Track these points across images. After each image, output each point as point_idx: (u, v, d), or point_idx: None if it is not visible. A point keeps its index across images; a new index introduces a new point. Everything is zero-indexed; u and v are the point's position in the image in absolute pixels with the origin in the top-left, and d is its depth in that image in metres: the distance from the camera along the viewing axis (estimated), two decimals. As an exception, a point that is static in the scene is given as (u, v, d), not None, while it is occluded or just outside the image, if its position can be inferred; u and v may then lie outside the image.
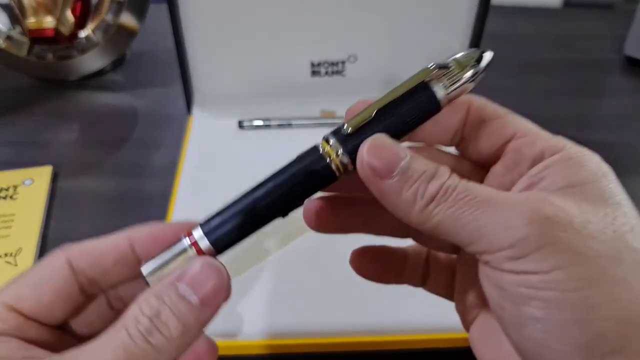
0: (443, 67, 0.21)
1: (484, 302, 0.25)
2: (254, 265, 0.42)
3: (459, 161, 0.25)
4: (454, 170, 0.22)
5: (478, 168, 0.24)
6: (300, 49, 0.54)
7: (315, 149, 0.22)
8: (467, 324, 0.26)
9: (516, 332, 0.19)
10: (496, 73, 0.58)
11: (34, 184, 0.50)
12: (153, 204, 0.48)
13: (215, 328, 0.38)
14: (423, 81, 0.21)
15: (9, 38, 0.61)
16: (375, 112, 0.21)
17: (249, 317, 0.39)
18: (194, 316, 0.20)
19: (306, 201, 0.24)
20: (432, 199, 0.19)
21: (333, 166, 0.21)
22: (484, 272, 0.20)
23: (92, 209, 0.49)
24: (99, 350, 0.19)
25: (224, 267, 0.21)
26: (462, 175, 0.22)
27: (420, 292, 0.40)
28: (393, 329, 0.38)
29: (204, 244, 0.22)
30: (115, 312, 0.25)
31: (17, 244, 0.45)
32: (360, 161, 0.20)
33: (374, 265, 0.28)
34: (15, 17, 0.60)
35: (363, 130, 0.21)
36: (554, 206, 0.18)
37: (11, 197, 0.49)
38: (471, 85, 0.21)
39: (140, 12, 0.60)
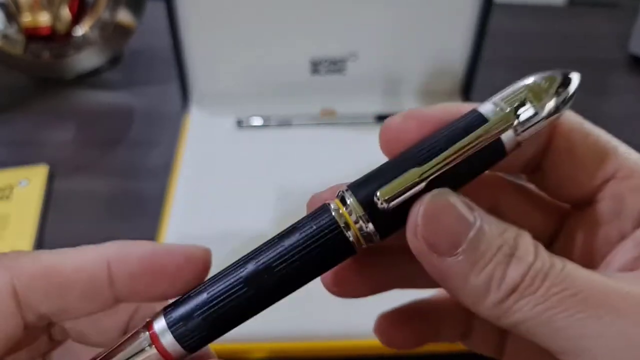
0: (518, 106, 0.16)
1: None
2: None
3: (530, 195, 0.19)
4: (523, 211, 0.17)
5: (554, 207, 0.19)
6: (300, 47, 0.53)
7: (325, 210, 0.16)
8: None
9: None
10: (499, 72, 0.57)
11: (29, 183, 0.50)
12: (151, 204, 0.48)
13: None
14: (498, 138, 0.16)
15: (4, 36, 0.60)
16: (427, 183, 0.16)
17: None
18: None
19: None
20: (513, 290, 0.14)
21: (350, 236, 0.16)
22: None
23: (89, 210, 0.49)
24: None
25: None
26: (532, 219, 0.17)
27: (421, 294, 0.39)
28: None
29: (168, 340, 0.16)
30: (54, 343, 0.19)
31: (12, 246, 0.44)
32: (413, 231, 0.15)
33: (406, 332, 0.22)
34: (11, 14, 0.60)
35: (403, 206, 0.16)
36: None
37: (7, 197, 0.48)
38: (549, 122, 0.16)
39: (137, 9, 0.60)
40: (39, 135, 0.56)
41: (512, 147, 0.16)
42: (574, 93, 0.16)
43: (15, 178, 0.50)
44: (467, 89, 0.55)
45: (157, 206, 0.47)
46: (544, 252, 0.15)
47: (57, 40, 0.60)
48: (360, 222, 0.16)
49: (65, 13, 0.59)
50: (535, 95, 0.16)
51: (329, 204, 0.16)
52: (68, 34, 0.60)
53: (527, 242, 0.15)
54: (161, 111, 0.58)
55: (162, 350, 0.16)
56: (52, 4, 0.59)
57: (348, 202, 0.16)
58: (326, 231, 0.16)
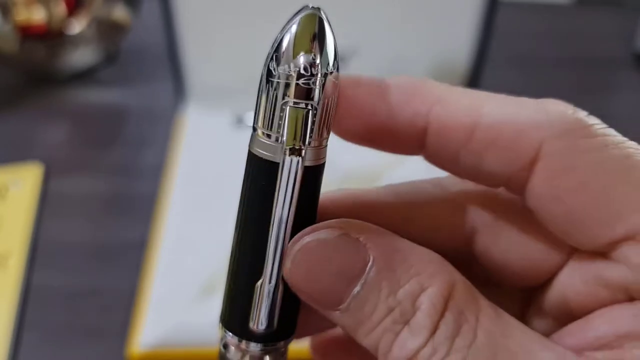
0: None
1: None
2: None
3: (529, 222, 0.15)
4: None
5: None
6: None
7: None
8: None
9: None
10: (505, 70, 0.56)
11: (24, 183, 0.49)
12: (147, 204, 0.47)
13: (206, 335, 0.36)
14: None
15: (-2, 33, 0.60)
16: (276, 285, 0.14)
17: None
18: None
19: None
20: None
21: None
22: None
23: (85, 210, 0.48)
24: None
25: None
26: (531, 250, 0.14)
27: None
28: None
29: None
30: None
31: (6, 246, 0.44)
32: (287, 277, 0.13)
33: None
34: (4, 11, 0.59)
35: None
36: None
37: (2, 197, 0.48)
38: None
39: (134, 6, 0.59)
40: (33, 135, 0.56)
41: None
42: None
43: (9, 178, 0.50)
44: (473, 88, 0.54)
45: (154, 206, 0.46)
46: (448, 325, 0.11)
47: (52, 37, 0.59)
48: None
49: (60, 10, 0.59)
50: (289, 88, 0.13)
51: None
52: (63, 31, 0.59)
53: (428, 308, 0.11)
54: (158, 109, 0.58)
55: None
56: (46, 1, 0.58)
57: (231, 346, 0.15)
58: None
